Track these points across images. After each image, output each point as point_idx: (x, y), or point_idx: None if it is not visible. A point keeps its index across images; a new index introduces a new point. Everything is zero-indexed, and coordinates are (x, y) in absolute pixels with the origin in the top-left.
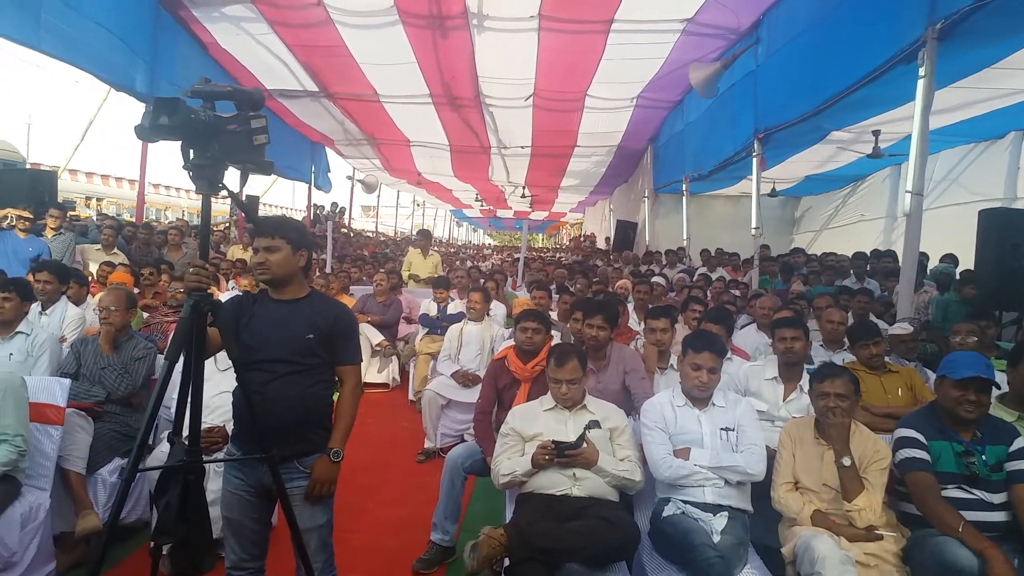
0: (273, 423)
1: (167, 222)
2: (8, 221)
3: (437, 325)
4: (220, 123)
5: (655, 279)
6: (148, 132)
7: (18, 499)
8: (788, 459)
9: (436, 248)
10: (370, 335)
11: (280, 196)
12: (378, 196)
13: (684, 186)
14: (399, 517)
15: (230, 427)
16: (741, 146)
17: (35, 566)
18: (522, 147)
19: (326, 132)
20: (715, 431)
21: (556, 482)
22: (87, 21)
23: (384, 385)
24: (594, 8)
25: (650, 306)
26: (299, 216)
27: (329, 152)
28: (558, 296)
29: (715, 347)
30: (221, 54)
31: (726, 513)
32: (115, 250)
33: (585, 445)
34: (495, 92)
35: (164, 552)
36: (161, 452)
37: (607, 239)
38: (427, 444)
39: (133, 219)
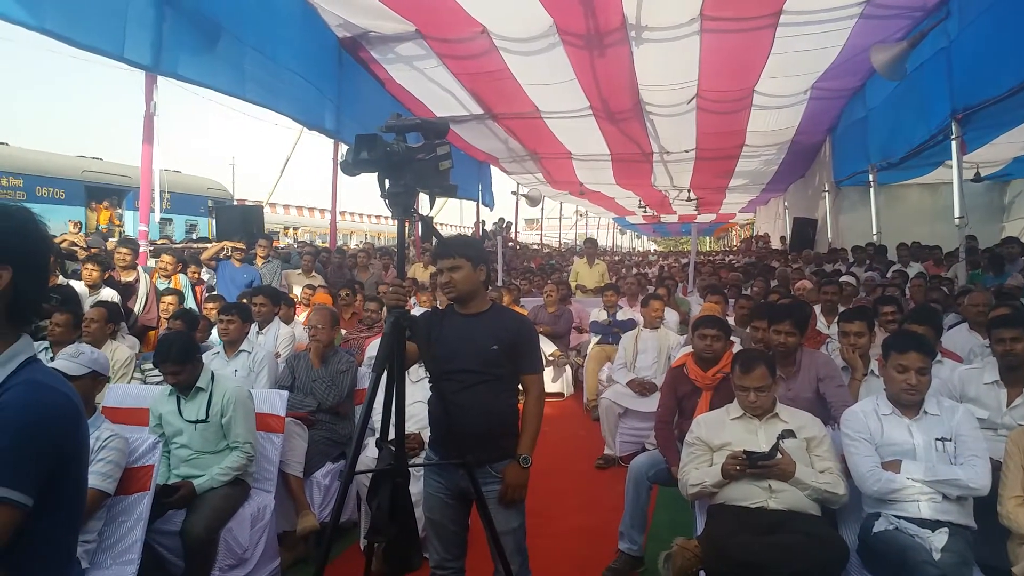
0: (465, 430)
1: (354, 246)
2: (225, 252)
3: (608, 331)
4: (411, 153)
5: (844, 278)
6: (351, 167)
7: (248, 500)
8: (1016, 471)
9: (601, 257)
10: (543, 345)
11: (449, 215)
12: (541, 209)
13: (871, 177)
14: (585, 524)
15: (425, 434)
16: (936, 129)
17: (263, 562)
18: (686, 151)
19: (491, 151)
20: (929, 442)
21: (750, 494)
22: (282, 69)
23: (559, 394)
24: (759, 3)
25: (840, 308)
26: (469, 232)
27: (493, 170)
28: (733, 301)
29: (922, 346)
30: (396, 88)
31: (946, 529)
32: (314, 273)
33: (780, 456)
34: (656, 100)
35: (376, 550)
36: (367, 457)
37: (782, 238)
38: (606, 451)
39: (326, 245)
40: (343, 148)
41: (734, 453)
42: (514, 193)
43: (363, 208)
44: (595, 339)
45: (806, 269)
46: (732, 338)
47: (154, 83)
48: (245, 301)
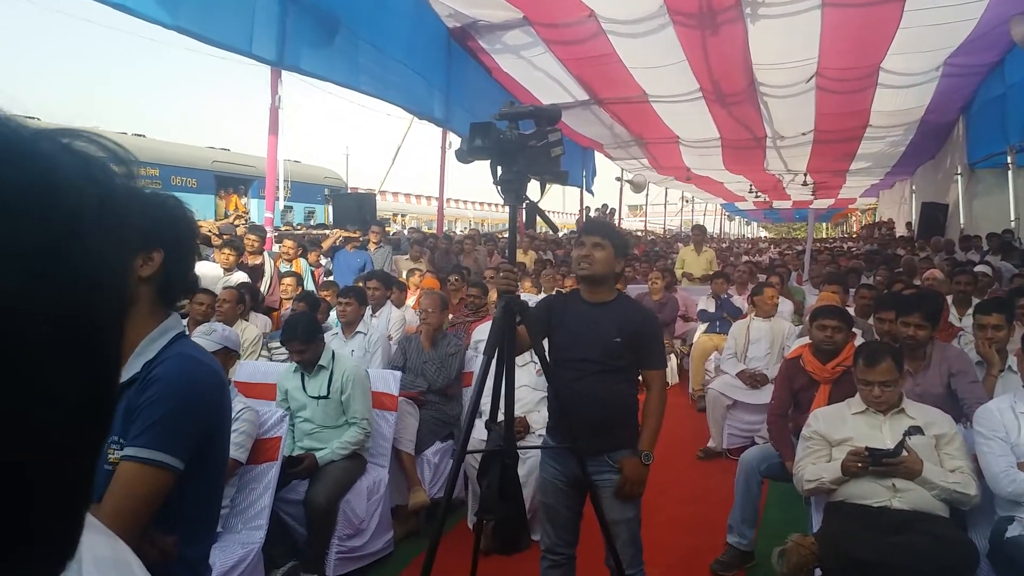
0: (582, 418)
1: (459, 232)
2: (339, 239)
3: (716, 317)
4: (523, 140)
5: (978, 268)
6: (465, 154)
7: (364, 474)
8: None
9: (709, 244)
10: None
11: (551, 202)
12: (646, 195)
13: (1009, 159)
14: (691, 515)
15: (530, 418)
16: None
17: (378, 533)
18: (803, 134)
19: (595, 137)
20: None
21: (872, 492)
22: (393, 62)
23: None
24: None
25: (974, 299)
26: (571, 219)
27: (597, 155)
28: (853, 290)
29: None
30: (503, 76)
31: None
32: (423, 259)
33: (906, 453)
34: (771, 80)
35: (485, 528)
36: (476, 437)
37: (908, 225)
38: (711, 444)
39: (432, 231)
40: (451, 136)
41: (855, 449)
42: (618, 179)
43: (468, 195)
44: (702, 328)
45: (935, 257)
46: (854, 329)
47: (279, 77)
48: (361, 285)
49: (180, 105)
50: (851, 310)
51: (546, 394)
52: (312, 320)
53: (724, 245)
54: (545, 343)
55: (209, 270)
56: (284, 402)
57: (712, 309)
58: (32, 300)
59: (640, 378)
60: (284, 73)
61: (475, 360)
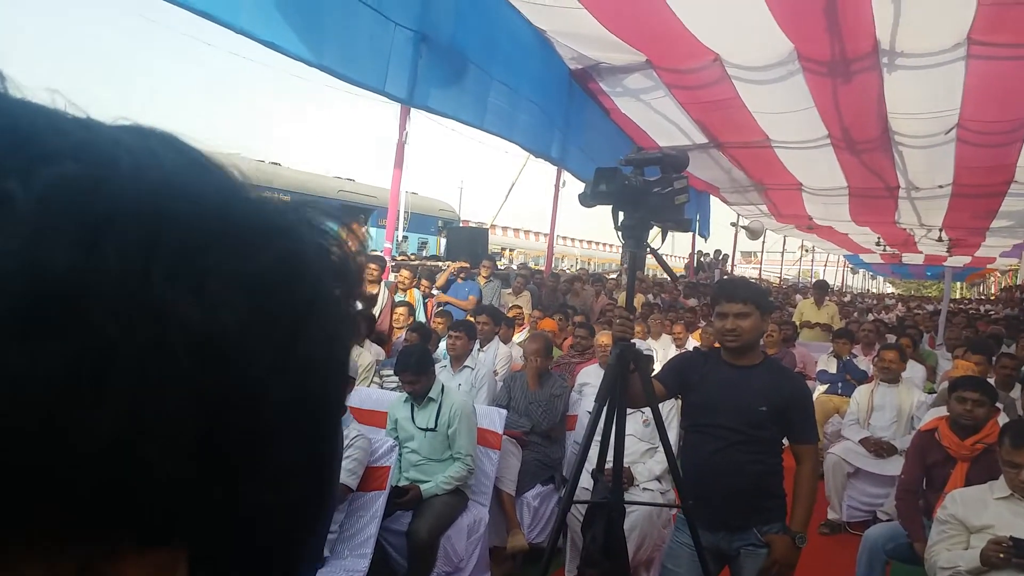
0: (721, 490)
1: (564, 268)
2: (461, 275)
3: (838, 379)
4: (648, 187)
5: None
6: (589, 199)
7: (465, 511)
8: None
9: (831, 298)
10: None
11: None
12: (762, 242)
13: None
14: None
15: (635, 469)
16: None
17: (476, 573)
18: (940, 186)
19: (712, 181)
20: None
21: None
22: (522, 100)
23: None
24: None
25: None
26: (682, 263)
27: (712, 199)
28: (994, 360)
29: None
30: (620, 118)
31: None
32: (525, 293)
33: None
34: (907, 129)
35: None
36: (581, 486)
37: None
38: (830, 515)
39: (539, 267)
40: (565, 175)
41: (998, 538)
42: (733, 224)
43: (576, 233)
44: (821, 388)
45: None
46: (997, 404)
47: (407, 115)
48: (471, 319)
49: (312, 136)
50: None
51: (653, 446)
52: (425, 352)
53: (846, 299)
54: (670, 404)
55: None
56: (393, 431)
57: (833, 370)
58: (274, 381)
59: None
60: (413, 110)
61: (579, 403)
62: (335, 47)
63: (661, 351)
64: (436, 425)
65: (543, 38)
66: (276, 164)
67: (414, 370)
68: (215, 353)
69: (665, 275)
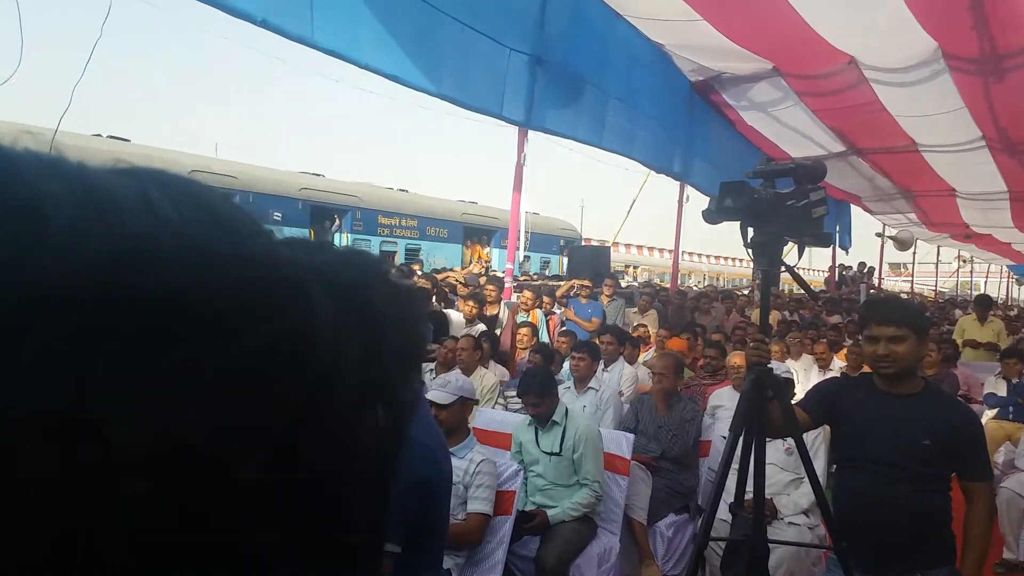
0: (878, 530)
1: (691, 285)
2: (574, 290)
3: (1009, 403)
4: (779, 200)
5: None
6: (714, 215)
7: (595, 539)
8: None
9: (995, 313)
10: None
11: (794, 258)
12: (913, 253)
13: None
14: None
15: (778, 502)
16: None
17: None
18: None
19: (852, 190)
20: None
21: None
22: (640, 116)
23: None
24: None
25: None
26: (819, 277)
27: (854, 209)
28: None
29: None
30: (746, 129)
31: None
32: (651, 311)
33: None
34: None
35: None
36: (718, 518)
37: None
38: (1006, 554)
39: (664, 284)
40: (688, 189)
41: None
42: (879, 235)
43: (703, 248)
44: (990, 413)
45: None
46: None
47: (525, 137)
48: (595, 340)
49: (436, 162)
50: None
51: (798, 476)
52: (548, 375)
53: (1012, 313)
54: (816, 432)
55: (456, 316)
56: (518, 455)
57: (1003, 393)
58: (261, 505)
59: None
60: (531, 132)
61: (712, 428)
62: (453, 76)
63: (802, 372)
64: (561, 449)
65: (661, 52)
66: (404, 191)
67: (537, 392)
68: (174, 474)
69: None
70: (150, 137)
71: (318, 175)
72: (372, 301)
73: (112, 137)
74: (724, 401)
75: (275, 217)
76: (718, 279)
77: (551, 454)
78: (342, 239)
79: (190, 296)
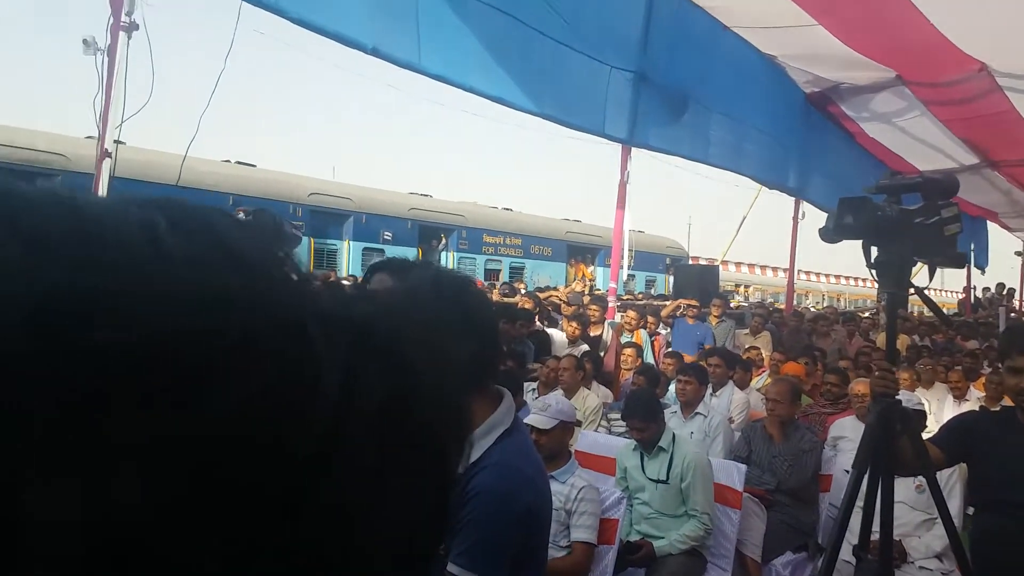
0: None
1: (808, 306)
2: (680, 310)
3: None
4: (906, 217)
5: None
6: (832, 233)
7: (704, 575)
8: None
9: None
10: None
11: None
12: None
13: None
14: None
15: (907, 544)
16: None
17: None
18: None
19: (987, 205)
20: None
21: None
22: (750, 130)
23: None
24: None
25: None
26: (951, 298)
27: (990, 226)
28: None
29: None
30: (868, 142)
31: None
32: (764, 333)
33: None
34: None
35: None
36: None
37: None
38: None
39: (778, 304)
40: (804, 205)
41: None
42: (1018, 253)
43: (821, 266)
44: None
45: None
46: None
47: (628, 154)
48: (703, 363)
49: (539, 181)
50: None
51: (930, 516)
52: (653, 398)
53: None
54: (953, 470)
55: (559, 336)
56: (623, 480)
57: None
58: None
59: None
60: (634, 149)
61: (834, 460)
62: (554, 95)
63: (935, 403)
64: (668, 477)
65: (772, 64)
66: (508, 209)
67: (642, 416)
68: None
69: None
70: (274, 162)
71: (426, 195)
72: (399, 348)
73: (240, 163)
74: (846, 432)
75: (386, 237)
76: (838, 299)
77: (657, 481)
78: (448, 258)
79: (151, 349)
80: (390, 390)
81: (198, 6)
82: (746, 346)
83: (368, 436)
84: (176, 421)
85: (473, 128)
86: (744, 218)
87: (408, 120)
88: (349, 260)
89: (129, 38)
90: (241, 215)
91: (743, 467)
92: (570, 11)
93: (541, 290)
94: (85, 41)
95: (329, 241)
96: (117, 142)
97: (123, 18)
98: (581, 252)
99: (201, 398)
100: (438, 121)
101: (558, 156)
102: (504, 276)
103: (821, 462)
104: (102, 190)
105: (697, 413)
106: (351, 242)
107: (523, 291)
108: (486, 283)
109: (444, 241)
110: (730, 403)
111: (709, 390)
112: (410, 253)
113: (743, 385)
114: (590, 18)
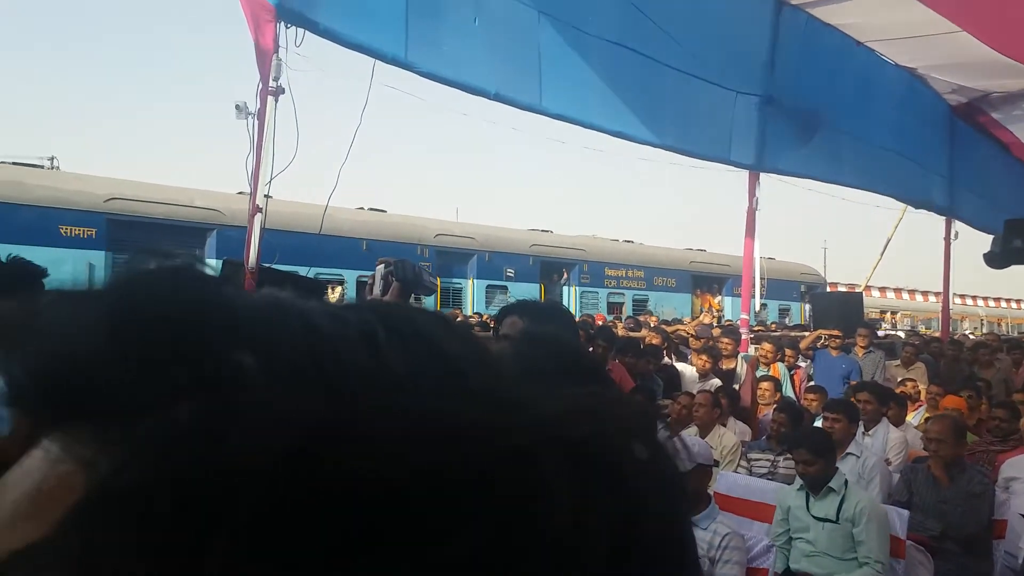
0: None
1: (966, 333)
2: (821, 341)
3: None
4: None
5: None
6: (999, 259)
7: None
8: None
9: None
10: None
11: None
12: None
13: None
14: None
15: None
16: None
17: None
18: None
19: None
20: None
21: None
22: (888, 148)
23: None
24: None
25: None
26: None
27: None
28: None
29: None
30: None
31: None
32: (918, 365)
33: None
34: None
35: None
36: None
37: None
38: None
39: (931, 331)
40: (957, 225)
41: None
42: None
43: (978, 289)
44: None
45: None
46: None
47: (756, 180)
48: (852, 399)
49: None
50: None
51: None
52: (826, 434)
53: None
54: None
55: (688, 370)
56: (784, 522)
57: None
58: None
59: None
60: (763, 175)
61: (1007, 503)
62: (676, 126)
63: None
64: (838, 518)
65: (911, 77)
66: (629, 242)
67: (811, 449)
68: None
69: None
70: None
71: (547, 231)
72: (624, 472)
73: (372, 209)
74: (1020, 472)
75: (508, 273)
76: (999, 324)
77: (825, 520)
78: (571, 292)
79: (394, 482)
80: (621, 525)
81: (337, 67)
82: (899, 379)
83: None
84: (410, 568)
85: (592, 162)
86: (888, 240)
87: (528, 157)
88: (474, 298)
89: (276, 101)
90: (382, 266)
91: (904, 512)
92: (693, 39)
93: (667, 323)
94: (237, 106)
95: (455, 280)
96: (267, 196)
97: (271, 83)
98: (707, 282)
99: (437, 542)
100: (557, 157)
101: (679, 186)
102: (627, 309)
103: (994, 506)
104: (254, 242)
105: (849, 454)
106: (475, 280)
107: (652, 326)
108: (609, 317)
109: (566, 276)
110: (885, 442)
111: (860, 428)
112: (532, 289)
113: (898, 422)
114: (714, 45)
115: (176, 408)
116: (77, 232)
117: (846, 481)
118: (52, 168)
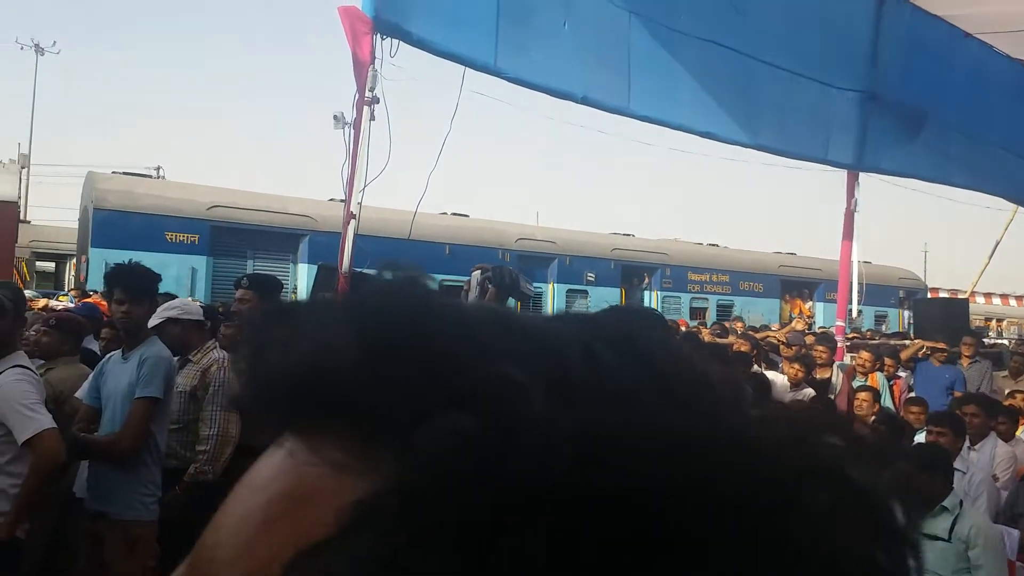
0: None
1: None
2: (924, 351)
3: None
4: None
5: None
6: None
7: None
8: None
9: None
10: None
11: None
12: None
13: None
14: None
15: None
16: None
17: None
18: None
19: None
20: None
21: None
22: (998, 143)
23: None
24: None
25: None
26: None
27: None
28: None
29: None
30: None
31: None
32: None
33: None
34: None
35: None
36: None
37: None
38: None
39: None
40: None
41: None
42: None
43: None
44: None
45: None
46: None
47: (855, 180)
48: (957, 412)
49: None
50: None
51: None
52: (941, 450)
53: None
54: None
55: (779, 379)
56: None
57: None
58: None
59: None
60: (863, 175)
61: None
62: (770, 125)
63: None
64: (950, 537)
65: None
66: (714, 245)
67: (924, 465)
68: None
69: None
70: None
71: (628, 235)
72: (876, 498)
73: (455, 214)
74: None
75: (589, 278)
76: None
77: (935, 538)
78: (652, 297)
79: (669, 495)
80: (870, 552)
81: (429, 76)
82: (1007, 391)
83: None
84: None
85: (677, 165)
86: (997, 243)
87: (611, 160)
88: (554, 302)
89: (372, 112)
90: (478, 272)
91: (1015, 533)
92: (790, 34)
93: (755, 330)
94: (335, 117)
95: (535, 284)
96: (359, 204)
97: (367, 93)
98: (797, 287)
99: (707, 558)
100: (641, 159)
101: (768, 187)
102: (711, 314)
103: None
104: (348, 247)
105: (956, 470)
106: (555, 284)
107: (739, 332)
108: (692, 322)
109: (647, 280)
110: (993, 458)
111: (966, 443)
112: (613, 294)
113: (1008, 437)
114: (812, 39)
115: (456, 418)
116: (182, 238)
117: (961, 502)
118: (158, 177)
